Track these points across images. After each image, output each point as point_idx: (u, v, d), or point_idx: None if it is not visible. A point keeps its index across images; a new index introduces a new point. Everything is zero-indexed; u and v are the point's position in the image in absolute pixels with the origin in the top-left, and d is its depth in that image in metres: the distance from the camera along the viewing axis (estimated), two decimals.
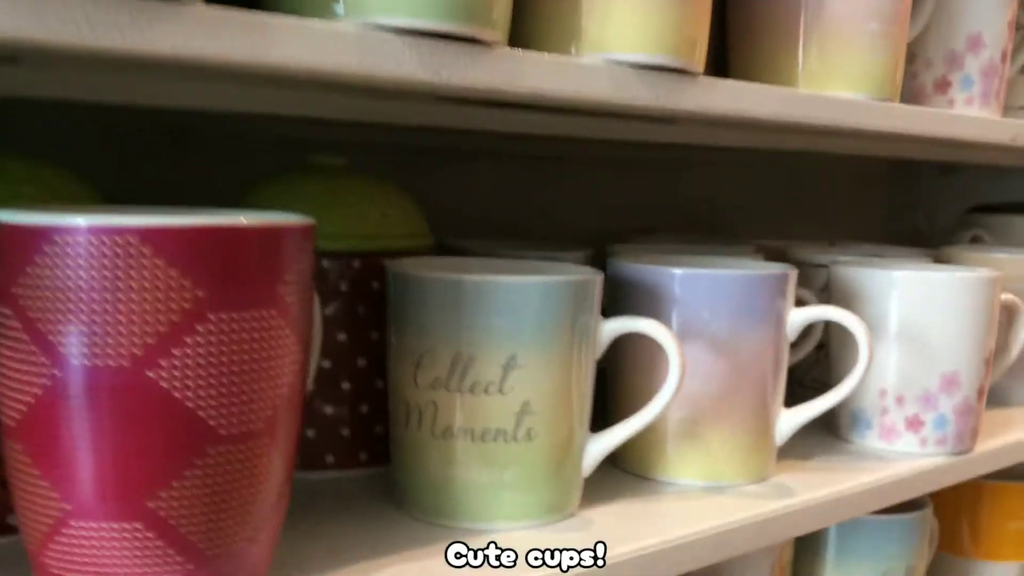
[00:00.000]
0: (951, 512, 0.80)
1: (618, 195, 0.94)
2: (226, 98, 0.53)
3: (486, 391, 0.45)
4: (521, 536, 0.46)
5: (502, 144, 0.82)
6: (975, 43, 0.67)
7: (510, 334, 0.45)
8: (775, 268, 0.55)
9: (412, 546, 0.44)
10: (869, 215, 1.22)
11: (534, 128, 0.64)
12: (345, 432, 0.53)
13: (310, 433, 0.52)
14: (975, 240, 1.02)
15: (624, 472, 0.56)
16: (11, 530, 0.42)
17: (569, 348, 0.46)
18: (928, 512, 0.70)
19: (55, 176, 0.46)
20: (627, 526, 0.48)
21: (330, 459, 0.53)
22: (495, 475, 0.46)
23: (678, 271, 0.53)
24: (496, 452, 0.46)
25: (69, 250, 0.32)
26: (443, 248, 0.67)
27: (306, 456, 0.53)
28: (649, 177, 0.97)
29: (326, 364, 0.52)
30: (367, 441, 0.54)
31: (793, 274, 0.54)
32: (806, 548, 0.67)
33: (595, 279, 0.47)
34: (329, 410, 0.52)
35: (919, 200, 1.23)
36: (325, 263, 0.51)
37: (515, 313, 0.44)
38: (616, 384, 0.57)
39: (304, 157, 0.56)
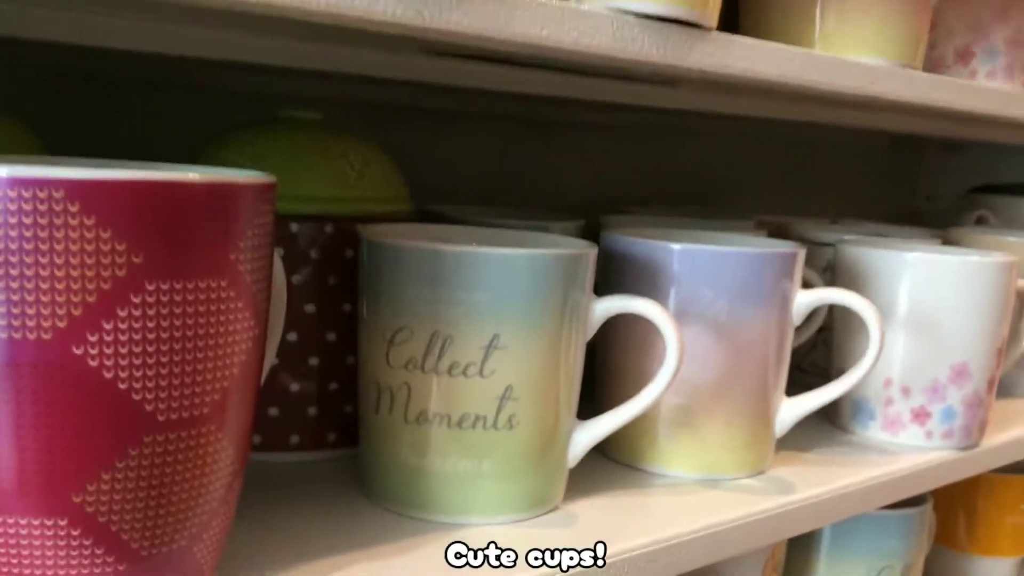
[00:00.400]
0: (947, 505, 0.77)
1: (611, 163, 0.90)
2: (192, 42, 0.48)
3: (465, 373, 0.41)
4: (499, 532, 0.42)
5: (490, 104, 0.78)
6: (1004, 8, 0.62)
7: (493, 312, 0.40)
8: (783, 246, 0.51)
9: (380, 540, 0.40)
10: (866, 192, 1.18)
11: (525, 87, 0.60)
12: (312, 411, 0.49)
13: (273, 412, 0.48)
14: (980, 221, 0.99)
15: (611, 461, 0.52)
16: None
17: (557, 328, 0.42)
18: (928, 507, 0.66)
19: None
20: (615, 522, 0.44)
21: (295, 440, 0.49)
22: (473, 465, 0.42)
23: (677, 246, 0.48)
24: (474, 440, 0.42)
25: None
26: (424, 215, 0.62)
27: (269, 436, 0.48)
28: (644, 145, 0.93)
29: (292, 337, 0.48)
30: (336, 421, 0.50)
31: (801, 253, 0.50)
32: (798, 544, 0.63)
33: (588, 253, 0.43)
34: (295, 387, 0.48)
35: (920, 178, 1.19)
36: (293, 227, 0.47)
37: (499, 289, 0.40)
38: (606, 367, 0.52)
39: (274, 111, 0.51)
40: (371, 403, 0.43)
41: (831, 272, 0.68)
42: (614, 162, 0.90)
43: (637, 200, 0.91)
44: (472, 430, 0.42)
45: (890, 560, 0.64)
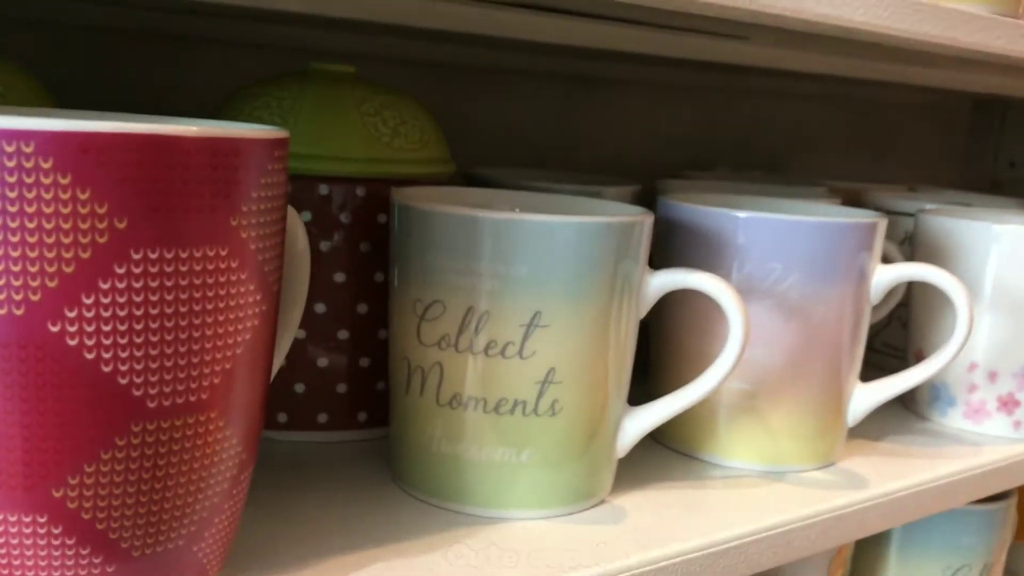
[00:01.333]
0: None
1: (671, 124, 0.85)
2: None
3: (503, 354, 0.37)
4: (538, 527, 0.38)
5: (541, 60, 0.73)
6: None
7: (534, 286, 0.36)
8: (862, 216, 0.46)
9: (409, 534, 0.37)
10: (942, 158, 1.11)
11: (578, 39, 0.55)
12: (341, 388, 0.45)
13: (300, 388, 0.45)
14: None
15: (665, 448, 0.48)
16: None
17: (606, 305, 0.38)
18: (1012, 502, 0.61)
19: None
20: (668, 520, 0.40)
21: (323, 418, 0.45)
22: (511, 454, 0.38)
23: (742, 214, 0.44)
24: (513, 427, 0.38)
25: None
26: (467, 179, 0.58)
27: (295, 414, 0.45)
28: (705, 105, 0.87)
29: (320, 309, 0.44)
30: (367, 399, 0.46)
31: (883, 224, 0.45)
32: (867, 539, 0.59)
33: (641, 221, 0.38)
34: (323, 362, 0.45)
35: (1003, 143, 1.11)
36: (322, 189, 0.43)
37: (541, 261, 0.36)
38: (662, 348, 0.48)
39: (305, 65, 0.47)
40: (401, 382, 0.40)
41: (909, 244, 0.62)
42: (674, 124, 0.85)
43: (698, 164, 0.86)
44: (511, 416, 0.38)
45: (968, 559, 0.59)
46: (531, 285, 0.36)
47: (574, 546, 0.36)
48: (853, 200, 0.66)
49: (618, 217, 0.38)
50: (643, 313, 0.40)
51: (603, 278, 0.37)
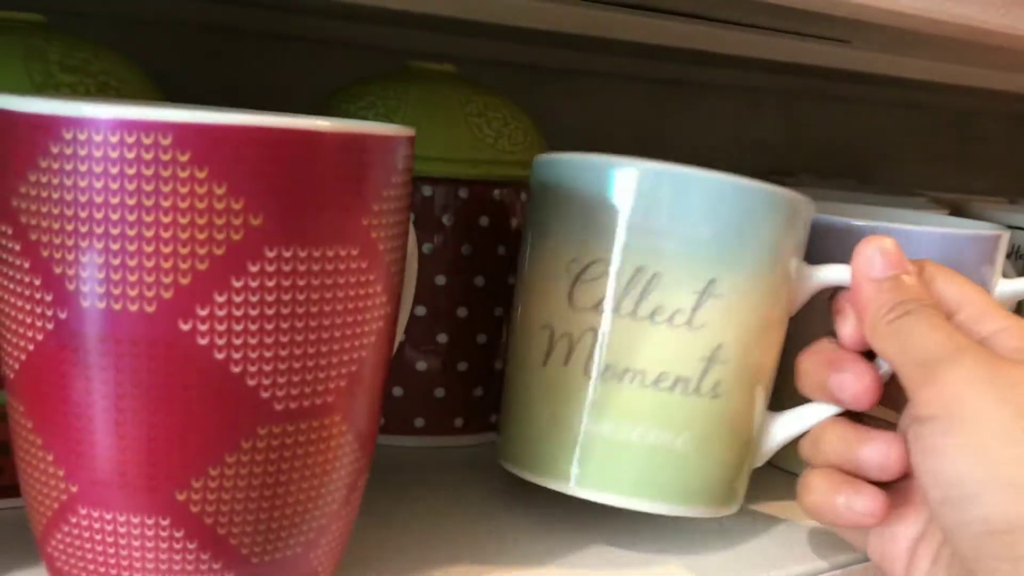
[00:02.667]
0: None
1: (752, 128, 0.83)
2: None
3: (670, 321, 0.34)
4: (682, 530, 0.36)
5: (623, 62, 0.72)
6: None
7: (715, 251, 0.34)
8: (985, 228, 0.44)
9: (526, 541, 0.35)
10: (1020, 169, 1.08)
11: (674, 39, 0.54)
12: (439, 393, 0.44)
13: (397, 391, 0.44)
14: None
15: (779, 470, 0.45)
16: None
17: (777, 287, 0.35)
18: None
19: (110, 67, 0.37)
20: (812, 536, 0.38)
21: (419, 423, 0.45)
22: (665, 438, 0.35)
23: (864, 224, 0.42)
24: (672, 406, 0.34)
25: (81, 151, 0.23)
26: None
27: (391, 418, 0.44)
28: (790, 109, 0.85)
29: (420, 311, 0.43)
30: (464, 404, 0.45)
31: (1005, 237, 0.43)
32: None
33: (808, 204, 0.37)
34: (421, 366, 0.44)
35: None
36: (425, 190, 0.42)
37: (727, 224, 0.34)
38: (793, 352, 0.46)
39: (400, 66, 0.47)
40: (538, 354, 0.36)
41: (1016, 258, 0.60)
42: (757, 129, 0.83)
43: (777, 170, 0.84)
44: (670, 393, 0.34)
45: None
46: (711, 249, 0.34)
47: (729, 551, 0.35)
48: (954, 212, 0.64)
49: (796, 194, 0.36)
50: (795, 310, 0.38)
51: (780, 256, 0.35)
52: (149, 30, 0.54)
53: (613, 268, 0.34)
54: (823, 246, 0.42)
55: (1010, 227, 0.59)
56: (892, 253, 0.34)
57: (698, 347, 0.34)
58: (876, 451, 0.33)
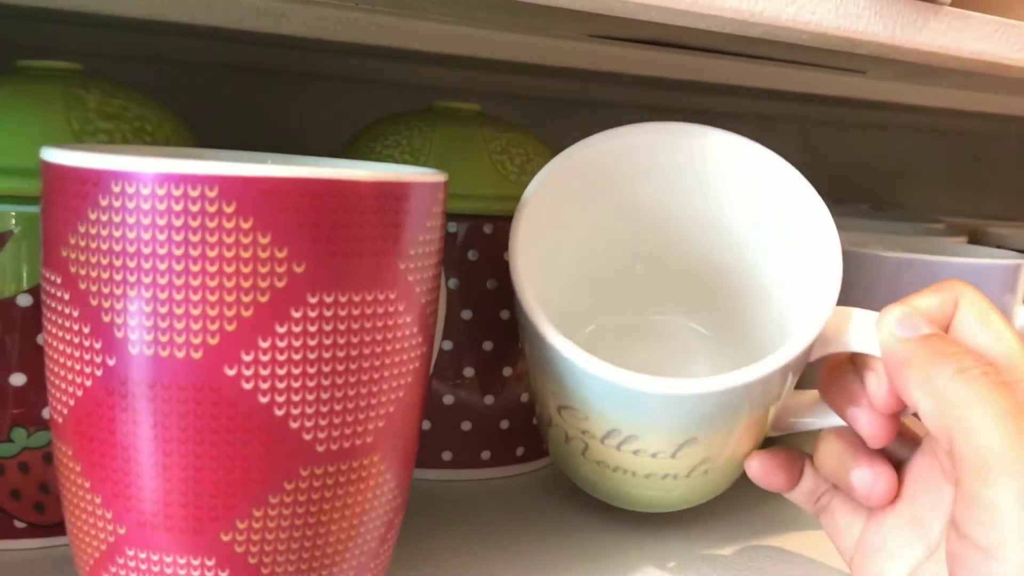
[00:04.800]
0: None
1: None
2: (345, 26, 0.45)
3: (654, 456, 0.35)
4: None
5: (642, 93, 0.73)
6: None
7: (686, 426, 0.34)
8: (1005, 257, 0.44)
9: (563, 570, 0.36)
10: None
11: (696, 73, 0.55)
12: (466, 426, 0.45)
13: (424, 425, 0.44)
14: None
15: None
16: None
17: (758, 418, 0.35)
18: None
19: (145, 112, 0.38)
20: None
21: (447, 456, 0.45)
22: (657, 493, 0.37)
23: (888, 255, 0.42)
24: (662, 486, 0.37)
25: (129, 203, 0.24)
26: None
27: (420, 452, 0.44)
28: (806, 137, 0.86)
29: (447, 346, 0.44)
30: (491, 437, 0.45)
31: None
32: None
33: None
34: (448, 399, 0.44)
35: None
36: (451, 227, 0.43)
37: (695, 418, 0.34)
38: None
39: (431, 103, 0.47)
40: (558, 436, 0.38)
41: None
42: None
43: None
44: (661, 480, 0.36)
45: None
46: (683, 429, 0.34)
47: None
48: (971, 237, 0.64)
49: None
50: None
51: (758, 406, 0.35)
52: (179, 70, 0.55)
53: (590, 423, 0.34)
54: (848, 276, 0.43)
55: None
56: (913, 316, 0.31)
57: (682, 466, 0.35)
58: (862, 480, 0.33)
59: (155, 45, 0.54)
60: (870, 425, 0.33)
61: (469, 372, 0.45)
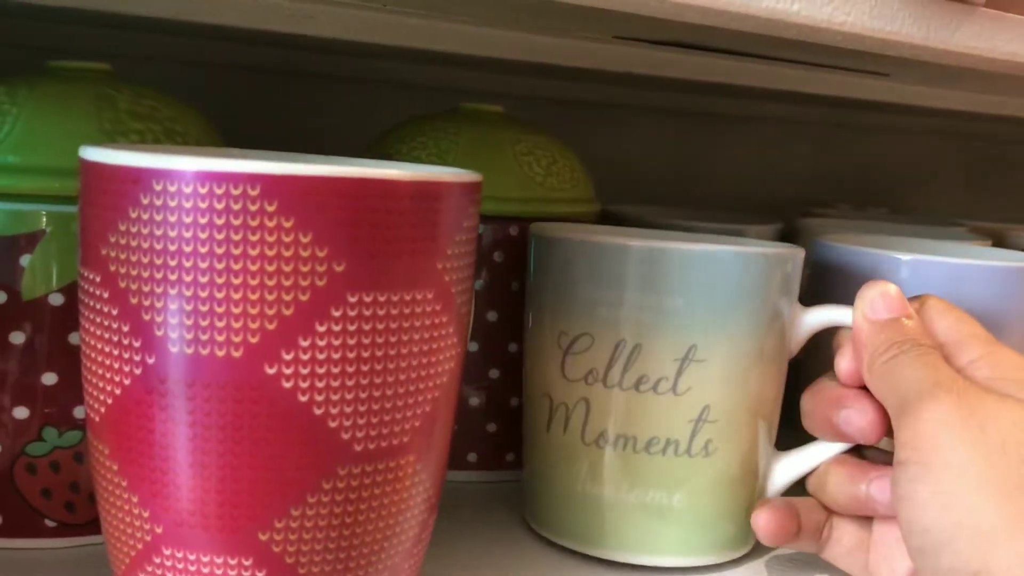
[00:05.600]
0: None
1: (788, 160, 0.84)
2: (370, 28, 0.45)
3: (655, 389, 0.36)
4: None
5: (657, 96, 0.73)
6: None
7: (689, 318, 0.35)
8: None
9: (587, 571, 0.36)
10: None
11: (723, 76, 0.55)
12: (491, 428, 0.45)
13: None
14: None
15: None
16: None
17: (761, 341, 0.37)
18: None
19: (175, 113, 0.38)
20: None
21: (472, 458, 0.45)
22: (661, 497, 0.37)
23: (907, 257, 0.42)
24: (665, 468, 0.36)
25: (170, 202, 0.24)
26: (604, 216, 0.58)
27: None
28: (824, 140, 0.86)
29: (472, 347, 0.44)
30: (517, 439, 0.45)
31: None
32: None
33: (796, 255, 0.38)
34: (474, 401, 0.44)
35: None
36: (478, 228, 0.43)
37: (697, 291, 0.35)
38: None
39: (452, 105, 0.48)
40: (542, 420, 0.39)
41: None
42: (792, 160, 0.84)
43: (813, 200, 0.84)
44: (662, 456, 0.36)
45: None
46: (687, 317, 0.35)
47: None
48: (995, 241, 0.64)
49: (773, 249, 0.37)
50: (795, 351, 0.39)
51: (759, 312, 0.36)
52: (203, 72, 0.56)
53: (597, 342, 0.36)
54: (870, 278, 0.43)
55: None
56: (894, 297, 0.34)
57: (684, 411, 0.36)
58: (883, 489, 0.34)
59: (180, 47, 0.54)
60: (860, 417, 0.35)
61: (495, 374, 0.45)
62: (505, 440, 0.45)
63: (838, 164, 0.88)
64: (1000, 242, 0.64)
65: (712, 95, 0.73)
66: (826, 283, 0.45)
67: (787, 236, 0.59)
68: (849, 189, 0.90)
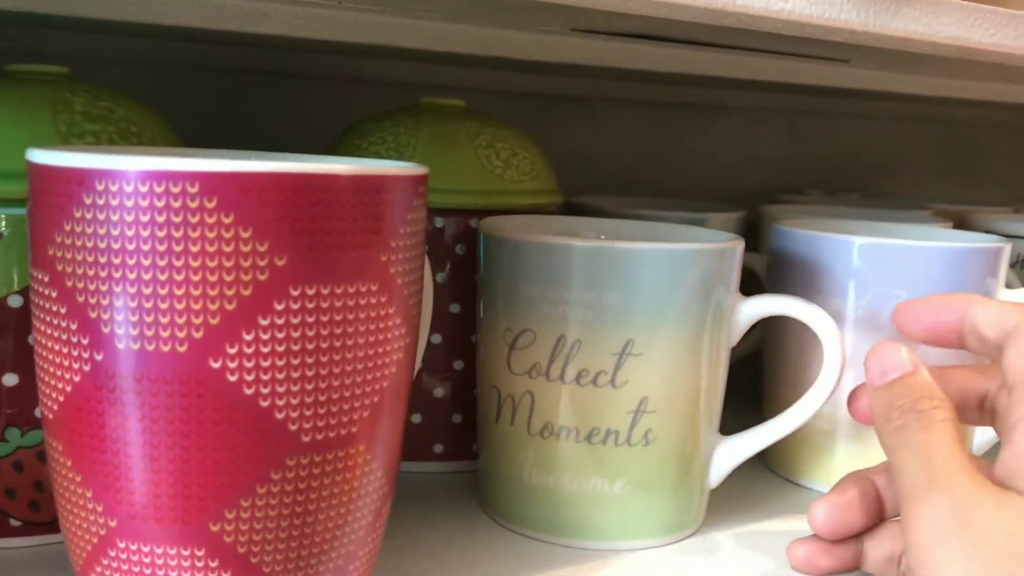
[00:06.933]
0: None
1: (759, 148, 0.84)
2: (332, 25, 0.45)
3: (595, 382, 0.37)
4: (631, 560, 0.37)
5: (629, 87, 0.73)
6: None
7: (627, 314, 0.36)
8: (986, 240, 0.45)
9: (501, 566, 0.36)
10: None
11: (682, 66, 0.55)
12: (457, 419, 0.45)
13: (415, 418, 0.45)
14: None
15: (775, 475, 0.47)
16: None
17: (699, 332, 0.37)
18: None
19: (130, 114, 0.39)
20: (769, 552, 0.39)
21: (438, 449, 0.46)
22: (603, 484, 0.38)
23: (862, 240, 0.43)
24: (606, 457, 0.37)
25: (113, 201, 0.25)
26: (569, 207, 0.59)
27: (411, 445, 0.45)
28: (795, 128, 0.86)
29: (436, 339, 0.44)
30: None
31: (1007, 249, 0.44)
32: None
33: (733, 247, 0.38)
34: (439, 392, 0.45)
35: None
36: (438, 221, 0.44)
37: (634, 288, 0.36)
38: (770, 376, 0.47)
39: (414, 100, 0.48)
40: (491, 412, 0.40)
41: (1021, 268, 0.61)
42: (763, 148, 0.84)
43: (786, 188, 0.85)
44: (603, 446, 0.37)
45: None
46: (623, 313, 0.36)
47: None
48: (959, 223, 0.65)
49: (709, 244, 0.37)
50: (735, 341, 0.40)
51: (695, 305, 0.37)
52: (164, 72, 0.56)
53: (539, 337, 0.37)
54: (829, 264, 0.43)
55: (1013, 237, 0.60)
56: (890, 356, 0.33)
57: (624, 402, 0.37)
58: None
59: (140, 48, 0.54)
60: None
61: (459, 365, 0.45)
62: (471, 431, 0.46)
63: (811, 152, 0.89)
64: (962, 224, 0.64)
65: (680, 85, 0.73)
66: (784, 268, 0.46)
67: (751, 223, 0.59)
68: (823, 177, 0.90)
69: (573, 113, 0.73)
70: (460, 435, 0.46)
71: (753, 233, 0.59)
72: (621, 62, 0.55)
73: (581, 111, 0.74)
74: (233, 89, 0.58)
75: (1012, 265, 0.62)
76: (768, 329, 0.48)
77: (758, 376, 0.50)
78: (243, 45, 0.52)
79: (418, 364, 0.44)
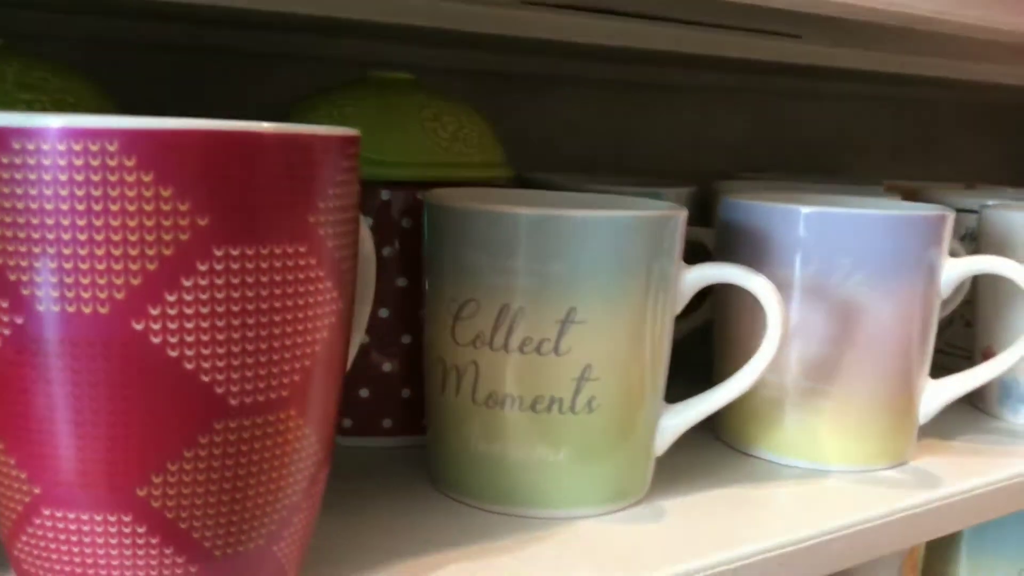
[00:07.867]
0: None
1: (719, 128, 0.84)
2: None
3: (538, 351, 0.37)
4: (577, 527, 0.37)
5: (588, 66, 0.73)
6: None
7: (568, 282, 0.36)
8: (929, 209, 0.45)
9: (451, 536, 0.36)
10: (998, 160, 1.10)
11: (632, 40, 0.55)
12: (406, 393, 0.45)
13: (364, 393, 0.45)
14: None
15: (725, 445, 0.48)
16: None
17: (642, 300, 0.37)
18: None
19: (67, 84, 0.38)
20: (715, 520, 0.39)
21: (387, 424, 0.45)
22: (548, 453, 0.38)
23: (807, 209, 0.43)
24: (550, 425, 0.37)
25: (30, 160, 0.24)
26: (523, 182, 0.58)
27: (360, 419, 0.45)
28: (754, 109, 0.87)
29: (383, 314, 0.44)
30: None
31: (951, 217, 0.44)
32: (937, 542, 0.58)
33: (676, 216, 0.38)
34: (388, 367, 0.45)
35: None
36: (384, 194, 0.43)
37: (576, 256, 0.36)
38: (719, 345, 0.48)
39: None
40: (436, 383, 0.40)
41: (971, 241, 0.61)
42: (724, 128, 0.85)
43: (747, 168, 0.85)
44: (547, 414, 0.37)
45: None
46: (565, 281, 0.36)
47: (615, 543, 0.36)
48: (910, 198, 0.65)
49: (650, 211, 0.37)
50: (679, 309, 0.40)
51: (637, 273, 0.37)
52: (108, 50, 0.55)
53: (482, 307, 0.37)
54: (775, 233, 0.44)
55: (962, 210, 0.61)
56: None
57: (567, 370, 0.37)
58: None
59: (83, 25, 0.53)
60: None
61: (407, 339, 0.45)
62: (420, 405, 0.45)
63: (773, 132, 0.89)
64: (914, 199, 0.65)
65: (637, 63, 0.73)
66: (732, 239, 0.46)
67: (704, 198, 0.59)
68: (785, 157, 0.91)
69: (530, 92, 0.73)
70: (410, 409, 0.45)
71: (707, 211, 0.59)
72: (572, 36, 0.55)
73: (539, 90, 0.73)
74: (178, 67, 0.58)
75: (962, 238, 0.62)
76: (717, 300, 0.48)
77: (702, 348, 0.50)
78: (184, 20, 0.51)
79: (365, 338, 0.44)
